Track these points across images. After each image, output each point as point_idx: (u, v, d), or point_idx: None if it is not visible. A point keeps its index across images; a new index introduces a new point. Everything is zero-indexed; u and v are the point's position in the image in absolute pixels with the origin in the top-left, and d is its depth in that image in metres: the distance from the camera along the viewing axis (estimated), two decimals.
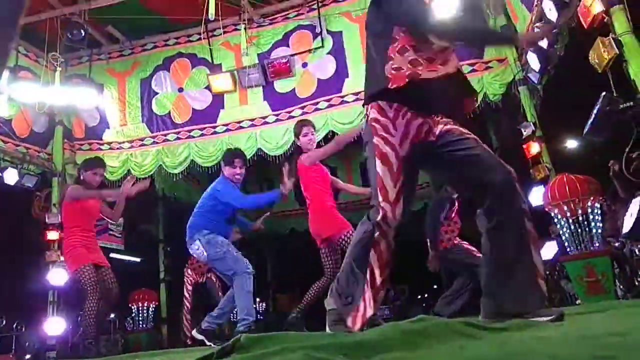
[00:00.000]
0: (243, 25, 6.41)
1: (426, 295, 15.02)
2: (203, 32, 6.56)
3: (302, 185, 4.23)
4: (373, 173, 1.97)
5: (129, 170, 6.75)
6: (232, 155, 4.24)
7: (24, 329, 6.53)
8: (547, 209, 4.50)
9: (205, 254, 3.91)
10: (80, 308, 4.49)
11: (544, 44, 4.58)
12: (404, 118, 1.96)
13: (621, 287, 4.08)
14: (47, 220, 6.17)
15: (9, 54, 0.82)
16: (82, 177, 4.48)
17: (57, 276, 6.01)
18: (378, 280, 1.90)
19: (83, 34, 6.08)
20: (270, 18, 6.68)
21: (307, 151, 4.18)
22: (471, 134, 2.00)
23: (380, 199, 1.92)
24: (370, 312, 1.88)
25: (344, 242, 3.94)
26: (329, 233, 4.03)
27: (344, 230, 3.99)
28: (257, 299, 11.93)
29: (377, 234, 1.92)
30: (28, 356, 6.08)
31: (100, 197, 4.54)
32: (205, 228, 3.96)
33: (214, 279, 6.11)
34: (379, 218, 1.91)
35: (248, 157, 6.30)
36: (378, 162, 1.95)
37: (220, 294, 5.73)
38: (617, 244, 4.25)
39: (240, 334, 3.44)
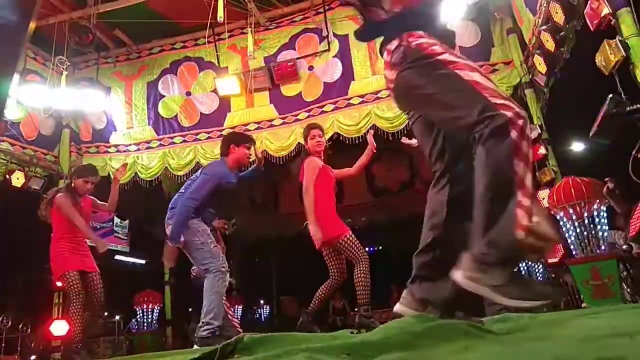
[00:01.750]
0: (250, 29, 6.44)
1: None
2: (209, 36, 6.62)
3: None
4: (453, 85, 1.56)
5: (135, 174, 6.80)
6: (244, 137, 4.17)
7: (29, 330, 6.57)
8: (552, 212, 4.48)
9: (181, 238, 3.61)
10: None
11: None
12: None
13: (629, 290, 4.06)
14: None
15: (20, 58, 0.82)
16: (73, 184, 4.46)
17: None
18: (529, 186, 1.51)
19: (91, 38, 6.12)
20: (276, 22, 6.71)
21: (314, 154, 4.17)
22: None
23: (495, 100, 1.49)
24: None
25: (342, 245, 3.91)
26: (327, 236, 3.94)
27: (343, 234, 3.94)
28: (262, 301, 11.95)
29: (514, 133, 1.46)
30: (33, 357, 6.12)
31: (77, 223, 4.33)
32: None
33: None
34: (509, 114, 1.47)
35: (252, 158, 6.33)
36: (454, 72, 1.57)
37: None
38: (625, 247, 4.23)
39: (202, 339, 3.34)
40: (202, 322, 3.43)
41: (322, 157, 4.22)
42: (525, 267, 7.17)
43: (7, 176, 6.12)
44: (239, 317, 9.95)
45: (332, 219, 4.03)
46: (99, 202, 4.68)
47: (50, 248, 4.35)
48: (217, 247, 3.70)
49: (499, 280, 1.46)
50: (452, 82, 1.58)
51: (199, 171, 3.95)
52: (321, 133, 4.23)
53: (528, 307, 1.46)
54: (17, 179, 6.17)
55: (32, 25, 0.81)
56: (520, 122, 1.48)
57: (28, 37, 0.82)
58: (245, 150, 3.93)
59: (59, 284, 4.59)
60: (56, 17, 6.24)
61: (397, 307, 1.82)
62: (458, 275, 1.53)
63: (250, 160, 4.19)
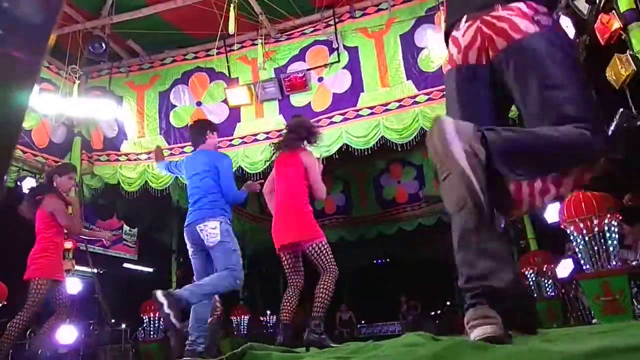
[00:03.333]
0: (260, 41, 6.51)
1: (439, 312, 14.85)
2: (221, 47, 6.71)
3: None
4: (569, 72, 1.52)
5: (146, 182, 6.85)
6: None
7: (35, 335, 6.59)
8: (563, 226, 4.45)
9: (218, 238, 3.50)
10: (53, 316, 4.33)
11: None
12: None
13: (639, 306, 4.00)
14: None
15: (40, 68, 0.84)
16: (55, 183, 4.37)
17: (71, 285, 6.07)
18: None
19: (104, 48, 6.21)
20: (287, 33, 6.77)
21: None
22: None
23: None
24: None
25: (311, 251, 3.70)
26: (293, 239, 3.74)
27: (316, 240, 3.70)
28: (268, 312, 11.90)
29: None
30: None
31: (75, 226, 4.46)
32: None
33: None
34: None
35: (262, 169, 6.37)
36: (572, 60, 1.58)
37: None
38: (634, 262, 4.18)
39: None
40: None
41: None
42: (535, 283, 7.10)
43: (19, 183, 6.19)
44: (245, 327, 9.93)
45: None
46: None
47: (38, 247, 4.25)
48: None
49: None
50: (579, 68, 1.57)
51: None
52: None
53: None
54: (28, 186, 6.24)
55: (53, 37, 0.83)
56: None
57: (49, 47, 0.83)
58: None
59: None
60: (71, 27, 6.34)
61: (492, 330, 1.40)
62: None
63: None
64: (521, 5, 1.60)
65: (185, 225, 3.68)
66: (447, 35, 1.78)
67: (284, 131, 4.19)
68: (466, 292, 1.48)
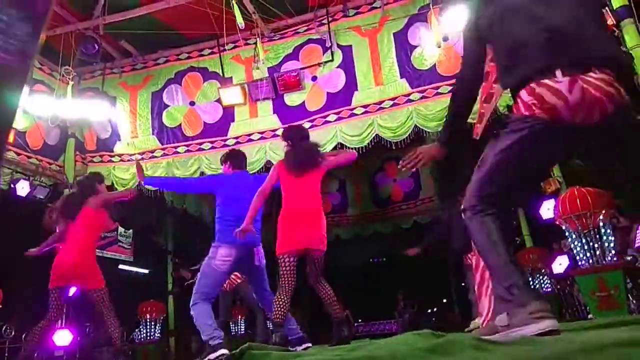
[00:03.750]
0: (258, 39, 6.49)
1: (435, 309, 14.89)
2: (214, 47, 6.68)
3: None
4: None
5: (139, 183, 6.80)
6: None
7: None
8: (558, 223, 4.47)
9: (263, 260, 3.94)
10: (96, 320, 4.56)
11: None
12: None
13: (634, 301, 4.03)
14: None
15: (30, 70, 0.82)
16: (98, 190, 4.55)
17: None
18: None
19: (97, 49, 6.18)
20: (280, 33, 6.75)
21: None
22: None
23: None
24: None
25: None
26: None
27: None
28: (267, 314, 11.88)
29: None
30: None
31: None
32: None
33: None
34: None
35: (257, 169, 6.36)
36: None
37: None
38: (629, 258, 4.20)
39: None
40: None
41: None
42: (531, 279, 7.13)
43: (12, 185, 6.15)
44: (242, 329, 9.92)
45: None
46: None
47: (84, 256, 4.35)
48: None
49: None
50: None
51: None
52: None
53: None
54: (22, 188, 6.20)
55: (42, 36, 0.82)
56: None
57: (38, 48, 0.82)
58: None
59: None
60: (63, 28, 6.30)
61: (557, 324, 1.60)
62: None
63: None
64: (610, 72, 1.67)
65: (238, 243, 3.67)
66: (528, 79, 1.72)
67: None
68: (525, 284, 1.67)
